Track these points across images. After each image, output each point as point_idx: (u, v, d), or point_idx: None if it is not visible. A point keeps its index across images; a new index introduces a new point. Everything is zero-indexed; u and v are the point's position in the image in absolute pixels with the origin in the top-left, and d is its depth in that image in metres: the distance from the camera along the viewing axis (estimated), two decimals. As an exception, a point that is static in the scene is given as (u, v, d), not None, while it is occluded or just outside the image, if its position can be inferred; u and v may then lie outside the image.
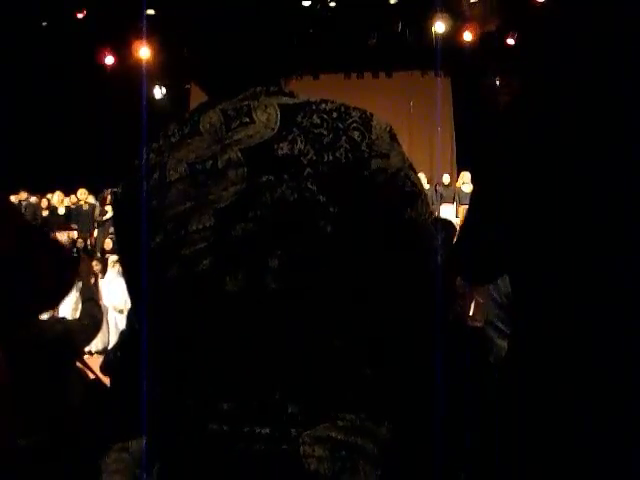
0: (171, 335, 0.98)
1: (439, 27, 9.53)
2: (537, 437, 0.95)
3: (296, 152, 0.93)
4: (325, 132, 0.94)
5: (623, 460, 0.90)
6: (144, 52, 9.47)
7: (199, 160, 0.97)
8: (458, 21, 9.59)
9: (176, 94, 10.41)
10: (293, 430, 0.89)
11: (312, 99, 0.98)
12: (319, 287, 0.92)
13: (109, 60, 10.00)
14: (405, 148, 1.11)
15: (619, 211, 0.92)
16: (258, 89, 0.99)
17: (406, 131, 10.24)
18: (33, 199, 10.21)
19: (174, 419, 0.95)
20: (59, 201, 10.25)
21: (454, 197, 9.95)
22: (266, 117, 0.96)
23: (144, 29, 9.02)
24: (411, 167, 0.99)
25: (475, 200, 1.13)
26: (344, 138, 0.93)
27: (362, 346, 0.95)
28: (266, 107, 0.97)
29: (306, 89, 1.07)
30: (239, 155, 0.95)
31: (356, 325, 0.95)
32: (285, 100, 0.98)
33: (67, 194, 10.35)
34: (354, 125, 0.95)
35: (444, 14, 9.51)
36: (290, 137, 0.93)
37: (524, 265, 1.02)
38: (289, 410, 0.89)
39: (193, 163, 0.97)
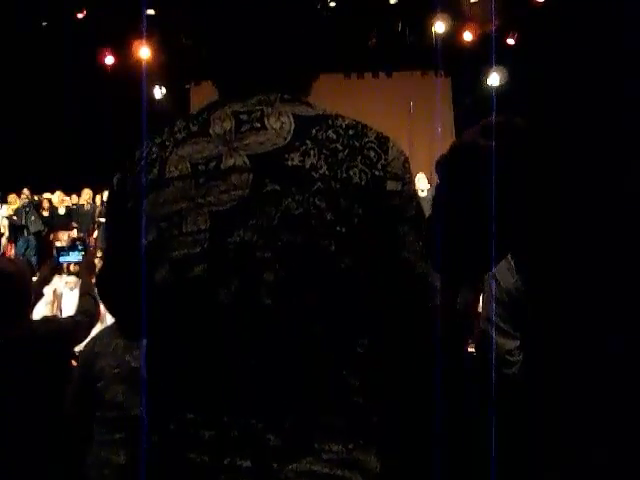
0: (155, 344, 0.93)
1: (439, 27, 9.52)
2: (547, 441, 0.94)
3: (307, 165, 0.89)
4: (340, 147, 0.91)
5: (628, 463, 0.89)
6: (144, 52, 9.46)
7: (203, 160, 0.92)
8: (458, 21, 9.58)
9: (176, 94, 10.41)
10: (275, 464, 0.83)
11: (329, 112, 0.95)
12: (314, 307, 0.87)
13: (109, 60, 9.99)
14: (405, 148, 1.10)
15: (620, 213, 0.91)
16: (273, 96, 0.96)
17: (406, 131, 10.22)
18: (34, 199, 10.21)
19: (157, 442, 0.89)
20: (59, 201, 10.24)
21: (454, 197, 9.93)
22: (279, 125, 0.93)
23: (144, 29, 9.01)
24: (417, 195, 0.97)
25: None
26: (359, 157, 0.91)
27: (354, 371, 0.89)
28: (280, 115, 0.94)
29: (306, 89, 1.07)
30: (246, 160, 0.91)
31: (349, 349, 0.89)
32: (300, 110, 0.95)
33: (68, 194, 10.35)
34: (370, 144, 0.92)
35: (444, 14, 9.50)
36: (302, 149, 0.90)
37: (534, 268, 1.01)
38: (271, 442, 0.83)
39: (196, 163, 0.92)
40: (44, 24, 9.66)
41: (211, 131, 0.94)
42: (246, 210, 0.88)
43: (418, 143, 10.46)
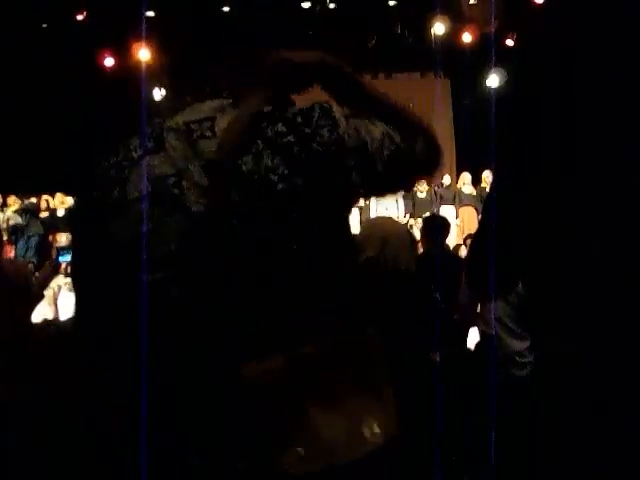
0: (137, 371, 0.87)
1: (438, 28, 9.53)
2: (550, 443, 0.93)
3: (263, 169, 0.86)
4: (293, 140, 0.88)
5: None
6: (144, 54, 9.46)
7: (161, 177, 0.89)
8: (457, 22, 9.59)
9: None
10: None
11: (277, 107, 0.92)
12: (290, 321, 0.84)
13: (109, 62, 9.99)
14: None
15: (625, 212, 0.90)
16: (225, 102, 0.94)
17: (406, 132, 10.22)
18: (33, 201, 10.20)
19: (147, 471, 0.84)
20: (59, 203, 10.24)
21: (454, 198, 9.94)
22: (229, 130, 0.90)
23: (144, 31, 9.01)
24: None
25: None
26: (314, 144, 0.88)
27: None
28: (230, 122, 0.91)
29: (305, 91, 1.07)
30: (201, 172, 0.88)
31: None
32: (250, 110, 0.91)
33: (67, 196, 10.34)
34: (320, 123, 0.90)
35: (443, 15, 9.51)
36: (254, 150, 0.87)
37: (540, 273, 0.99)
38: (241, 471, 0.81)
39: (155, 180, 0.89)
40: (43, 26, 9.66)
41: (167, 145, 0.91)
42: (211, 224, 0.85)
43: (417, 144, 10.46)
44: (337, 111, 0.91)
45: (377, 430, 0.83)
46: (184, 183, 0.88)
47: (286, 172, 0.86)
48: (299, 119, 0.90)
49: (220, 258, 0.84)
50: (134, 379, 0.87)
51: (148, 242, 0.86)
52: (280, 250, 0.84)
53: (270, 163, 0.86)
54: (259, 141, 0.87)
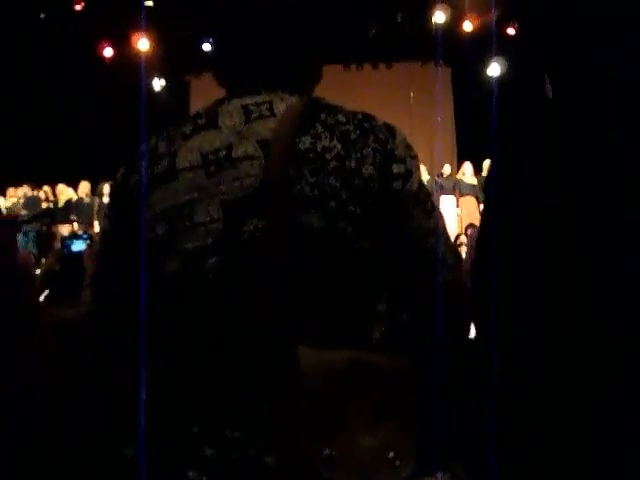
0: (158, 344, 0.90)
1: (439, 17, 9.48)
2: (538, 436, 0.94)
3: (319, 148, 0.89)
4: (351, 129, 0.91)
5: (623, 460, 0.88)
6: (143, 44, 9.43)
7: (213, 150, 0.92)
8: (458, 11, 9.54)
9: (176, 86, 10.39)
10: None
11: (335, 104, 0.97)
12: (332, 294, 0.86)
13: (108, 52, 9.96)
14: (405, 139, 1.09)
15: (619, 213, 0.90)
16: (280, 94, 0.96)
17: (406, 122, 10.19)
18: (33, 192, 10.20)
19: (156, 454, 0.87)
20: (60, 193, 10.23)
21: (454, 188, 9.93)
22: (290, 110, 0.93)
23: (143, 21, 8.98)
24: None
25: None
26: (372, 137, 0.91)
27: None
28: (289, 105, 0.94)
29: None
30: (256, 146, 0.90)
31: (364, 338, 0.88)
32: (308, 102, 0.96)
33: (67, 187, 10.33)
34: (379, 127, 0.94)
35: (444, 4, 9.45)
36: (312, 132, 0.90)
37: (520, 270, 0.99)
38: (268, 465, 0.81)
39: (207, 153, 0.91)
40: (42, 16, 9.62)
41: (220, 123, 0.94)
42: (259, 197, 0.87)
43: (418, 134, 10.43)
44: (399, 131, 0.96)
45: (399, 461, 0.83)
46: (235, 155, 0.90)
47: (342, 153, 0.89)
48: (360, 116, 0.94)
49: (270, 232, 0.85)
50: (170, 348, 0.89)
51: (192, 211, 0.90)
52: (320, 228, 0.86)
53: (328, 144, 0.89)
54: (318, 125, 0.91)
